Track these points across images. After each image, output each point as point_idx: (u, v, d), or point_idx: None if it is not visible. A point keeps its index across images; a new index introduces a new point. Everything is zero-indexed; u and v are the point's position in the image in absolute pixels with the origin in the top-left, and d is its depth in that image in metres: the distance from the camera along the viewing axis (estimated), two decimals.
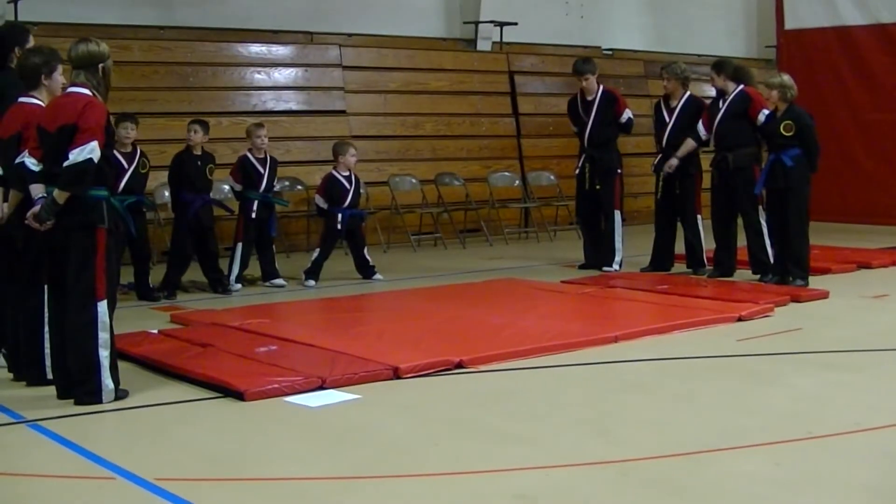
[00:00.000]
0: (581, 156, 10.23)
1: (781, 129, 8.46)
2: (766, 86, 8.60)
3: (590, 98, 10.09)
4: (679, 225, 9.85)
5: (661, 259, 9.92)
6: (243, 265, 9.16)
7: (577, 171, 10.29)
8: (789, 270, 8.63)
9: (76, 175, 5.17)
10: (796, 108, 8.52)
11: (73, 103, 5.27)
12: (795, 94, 8.55)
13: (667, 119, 9.76)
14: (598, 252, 10.19)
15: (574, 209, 11.10)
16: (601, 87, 10.11)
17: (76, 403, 5.26)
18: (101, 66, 5.38)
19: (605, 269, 9.97)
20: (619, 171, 10.17)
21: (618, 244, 10.08)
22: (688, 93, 9.78)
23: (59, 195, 5.19)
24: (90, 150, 5.15)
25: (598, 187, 10.02)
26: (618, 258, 10.09)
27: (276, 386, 5.41)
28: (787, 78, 8.61)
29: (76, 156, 5.14)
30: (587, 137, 10.07)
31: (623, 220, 10.24)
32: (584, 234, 10.57)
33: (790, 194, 8.49)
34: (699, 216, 9.73)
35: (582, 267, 10.21)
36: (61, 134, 5.22)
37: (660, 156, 9.81)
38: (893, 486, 4.09)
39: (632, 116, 10.17)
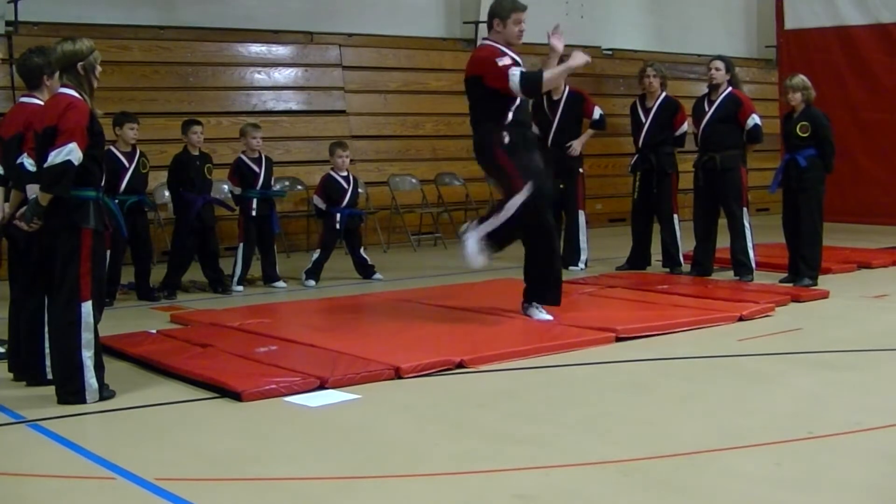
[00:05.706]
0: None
1: (797, 130, 8.52)
2: (791, 89, 8.59)
3: (556, 98, 10.07)
4: (656, 225, 9.93)
5: (638, 258, 9.98)
6: (245, 266, 9.17)
7: None
8: (801, 270, 8.65)
9: (54, 176, 5.15)
10: (813, 110, 8.58)
11: (57, 105, 5.27)
12: (814, 95, 8.61)
13: (643, 119, 9.84)
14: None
15: None
16: (567, 88, 10.06)
17: (59, 402, 5.26)
18: (79, 65, 5.29)
19: (570, 268, 10.01)
20: (580, 170, 10.22)
21: (582, 243, 10.18)
22: (664, 93, 9.85)
23: (42, 197, 5.18)
24: (68, 152, 5.12)
25: (561, 186, 10.07)
26: (583, 257, 10.18)
27: (274, 386, 5.40)
28: (806, 79, 8.65)
29: (53, 157, 5.13)
30: (551, 137, 10.03)
31: (587, 220, 10.31)
32: None
33: (804, 194, 8.55)
34: (676, 216, 9.80)
35: None
36: (45, 135, 5.23)
37: (636, 156, 9.92)
38: (893, 486, 4.08)
39: (603, 113, 10.22)
